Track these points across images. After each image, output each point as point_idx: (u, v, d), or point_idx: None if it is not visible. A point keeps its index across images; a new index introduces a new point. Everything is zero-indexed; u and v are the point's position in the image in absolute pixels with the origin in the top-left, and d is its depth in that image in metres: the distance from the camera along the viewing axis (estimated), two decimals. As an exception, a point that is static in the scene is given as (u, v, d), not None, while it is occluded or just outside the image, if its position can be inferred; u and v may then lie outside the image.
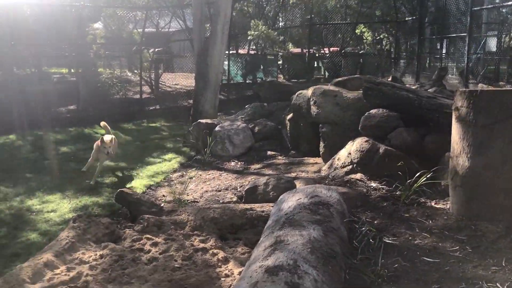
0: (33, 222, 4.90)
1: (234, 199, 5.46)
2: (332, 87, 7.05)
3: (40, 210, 5.22)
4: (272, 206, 4.29)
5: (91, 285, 3.34)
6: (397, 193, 4.61)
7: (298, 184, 5.32)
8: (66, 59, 14.90)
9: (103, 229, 4.25)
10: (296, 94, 7.56)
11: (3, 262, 4.00)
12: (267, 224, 3.73)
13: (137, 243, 3.99)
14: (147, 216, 4.43)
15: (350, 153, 5.46)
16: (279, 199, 4.20)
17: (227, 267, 3.63)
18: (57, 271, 3.55)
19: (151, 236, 4.10)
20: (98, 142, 6.49)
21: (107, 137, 6.49)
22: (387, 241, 3.62)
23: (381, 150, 5.15)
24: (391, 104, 5.61)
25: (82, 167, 6.79)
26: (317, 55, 16.17)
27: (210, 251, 3.87)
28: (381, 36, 17.76)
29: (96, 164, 6.59)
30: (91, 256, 3.77)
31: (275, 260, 2.78)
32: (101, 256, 3.73)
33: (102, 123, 7.25)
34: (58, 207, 5.33)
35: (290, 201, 3.89)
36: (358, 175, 5.15)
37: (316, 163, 6.68)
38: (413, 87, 7.10)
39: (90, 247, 3.96)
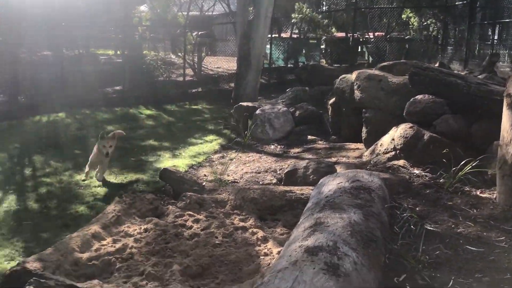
0: (81, 196, 5.12)
1: (274, 181, 5.50)
2: (377, 72, 6.92)
3: (87, 185, 5.44)
4: (311, 189, 4.30)
5: (136, 257, 3.49)
6: (440, 180, 4.51)
7: (339, 168, 5.29)
8: (112, 41, 15.28)
9: (147, 205, 4.40)
10: (340, 78, 7.47)
11: (54, 231, 4.22)
12: (306, 206, 3.75)
13: (180, 219, 4.11)
14: (189, 193, 4.55)
15: (393, 139, 5.37)
16: (319, 182, 4.20)
17: (266, 246, 3.69)
18: (104, 242, 3.72)
19: (193, 213, 4.21)
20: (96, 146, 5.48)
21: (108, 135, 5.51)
22: (428, 228, 3.57)
23: (425, 137, 5.03)
24: (438, 90, 5.46)
25: (127, 145, 7.00)
26: (361, 39, 15.84)
27: (250, 230, 3.94)
28: (428, 21, 17.17)
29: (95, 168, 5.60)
30: (135, 229, 3.92)
31: (315, 240, 2.80)
32: (146, 230, 3.87)
33: (117, 132, 5.74)
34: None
35: (330, 185, 3.89)
36: (401, 162, 5.07)
37: (357, 148, 6.61)
38: (462, 74, 6.86)
39: (135, 221, 4.11)
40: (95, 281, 3.06)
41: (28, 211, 4.71)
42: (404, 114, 5.57)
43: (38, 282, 2.84)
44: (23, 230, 4.23)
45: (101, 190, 5.28)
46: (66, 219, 4.50)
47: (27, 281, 2.87)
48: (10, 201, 4.91)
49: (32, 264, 3.19)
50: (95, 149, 5.51)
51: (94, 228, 3.86)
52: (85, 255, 3.49)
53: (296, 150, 7.09)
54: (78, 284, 2.93)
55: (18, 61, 10.31)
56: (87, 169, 5.60)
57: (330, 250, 2.67)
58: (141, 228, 3.93)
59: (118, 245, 3.64)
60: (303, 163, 5.33)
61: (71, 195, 5.14)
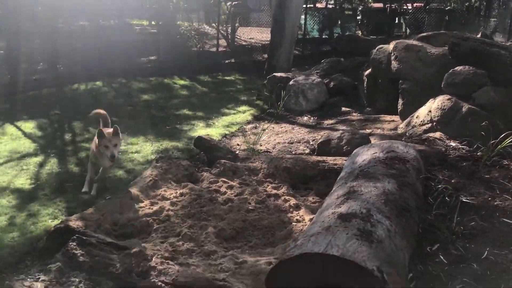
0: (119, 161, 5.25)
1: (306, 152, 5.51)
2: (415, 42, 6.72)
3: (125, 151, 5.59)
4: (345, 160, 4.29)
5: (172, 219, 3.61)
6: (478, 153, 4.41)
7: (373, 140, 5.25)
8: (147, 11, 15.33)
9: (182, 170, 4.50)
10: (376, 48, 7.30)
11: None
12: (340, 176, 3.76)
13: (214, 185, 4.20)
14: (223, 161, 4.63)
15: (430, 111, 5.26)
16: (353, 152, 4.19)
17: (298, 213, 3.74)
18: (142, 204, 3.86)
19: (226, 180, 4.29)
20: (95, 141, 4.26)
21: (108, 130, 4.27)
22: (464, 200, 3.51)
23: (464, 109, 4.91)
24: (479, 61, 5.27)
25: (162, 114, 7.11)
26: (398, 10, 15.35)
27: (282, 198, 4.00)
28: (471, -8, 16.42)
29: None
30: (172, 193, 4.04)
31: (348, 208, 2.83)
32: (181, 194, 3.98)
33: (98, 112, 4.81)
34: (141, 149, 5.68)
35: (364, 155, 3.87)
36: (437, 134, 4.97)
37: (392, 120, 6.51)
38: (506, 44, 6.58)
39: (171, 186, 4.23)
40: (135, 240, 3.19)
41: (69, 174, 4.91)
42: (442, 86, 5.43)
43: (80, 239, 3.00)
44: (64, 191, 4.42)
45: (138, 156, 5.43)
46: (105, 183, 4.65)
47: (70, 238, 3.03)
48: (52, 164, 5.12)
49: (75, 223, 3.35)
50: (93, 146, 4.30)
51: (133, 191, 4.00)
52: (124, 216, 3.63)
53: (330, 121, 7.05)
54: (118, 242, 3.06)
55: (57, 31, 10.54)
56: (88, 176, 4.42)
57: (363, 217, 2.69)
58: (177, 192, 4.04)
59: (155, 208, 3.76)
60: (337, 134, 5.31)
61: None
